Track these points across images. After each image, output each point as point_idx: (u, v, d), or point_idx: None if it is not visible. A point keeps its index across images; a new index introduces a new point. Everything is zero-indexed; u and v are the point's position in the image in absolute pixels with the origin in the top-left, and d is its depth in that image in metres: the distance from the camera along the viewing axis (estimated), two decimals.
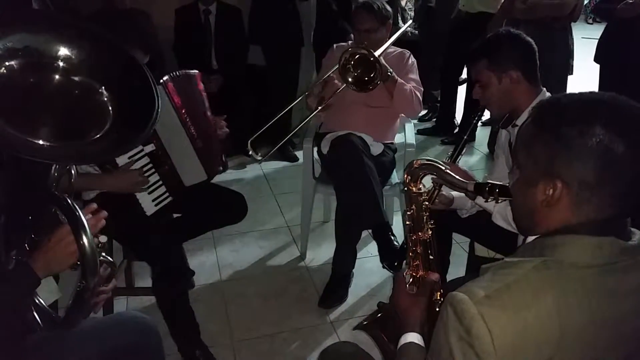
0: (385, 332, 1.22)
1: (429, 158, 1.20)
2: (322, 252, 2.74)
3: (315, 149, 2.58)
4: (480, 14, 3.73)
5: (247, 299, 2.42)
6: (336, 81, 2.40)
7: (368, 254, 2.67)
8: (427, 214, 1.19)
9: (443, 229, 1.86)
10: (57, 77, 1.04)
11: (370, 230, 2.30)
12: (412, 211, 1.21)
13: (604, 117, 0.80)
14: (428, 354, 0.85)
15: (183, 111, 1.92)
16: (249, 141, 2.42)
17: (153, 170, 1.91)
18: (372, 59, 2.27)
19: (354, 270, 2.49)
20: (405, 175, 1.20)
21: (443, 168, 1.16)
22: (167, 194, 1.95)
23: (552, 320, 0.76)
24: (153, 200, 1.91)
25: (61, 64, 1.04)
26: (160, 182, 1.94)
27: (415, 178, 1.19)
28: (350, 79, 2.36)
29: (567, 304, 0.77)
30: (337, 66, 2.34)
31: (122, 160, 1.84)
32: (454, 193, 1.74)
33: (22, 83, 1.00)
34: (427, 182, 1.27)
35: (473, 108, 4.05)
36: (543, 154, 0.83)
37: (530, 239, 0.89)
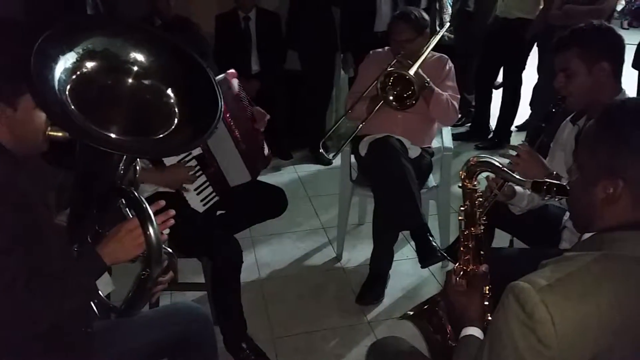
0: (432, 323, 1.26)
1: (485, 156, 1.25)
2: (357, 254, 2.78)
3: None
4: (517, 20, 3.74)
5: (285, 297, 2.48)
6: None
7: (404, 257, 2.70)
8: (481, 210, 1.23)
9: (487, 224, 1.86)
10: (130, 80, 1.12)
11: (408, 231, 2.33)
12: (466, 207, 1.25)
13: None
14: (485, 339, 0.88)
15: (227, 115, 1.99)
16: (321, 142, 2.52)
17: (201, 172, 2.01)
18: (407, 77, 2.30)
19: (390, 272, 2.53)
20: (461, 172, 1.24)
21: (500, 165, 1.20)
22: (214, 194, 2.05)
23: (612, 310, 0.79)
24: (201, 200, 2.02)
25: (133, 67, 1.12)
26: (208, 183, 2.04)
27: (471, 175, 1.24)
28: (390, 97, 2.40)
29: (627, 294, 0.80)
30: (376, 88, 2.37)
31: (171, 162, 1.95)
32: (518, 187, 1.71)
33: (100, 82, 1.09)
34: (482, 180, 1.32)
35: (508, 113, 4.08)
36: (606, 153, 0.88)
37: (585, 236, 0.92)
